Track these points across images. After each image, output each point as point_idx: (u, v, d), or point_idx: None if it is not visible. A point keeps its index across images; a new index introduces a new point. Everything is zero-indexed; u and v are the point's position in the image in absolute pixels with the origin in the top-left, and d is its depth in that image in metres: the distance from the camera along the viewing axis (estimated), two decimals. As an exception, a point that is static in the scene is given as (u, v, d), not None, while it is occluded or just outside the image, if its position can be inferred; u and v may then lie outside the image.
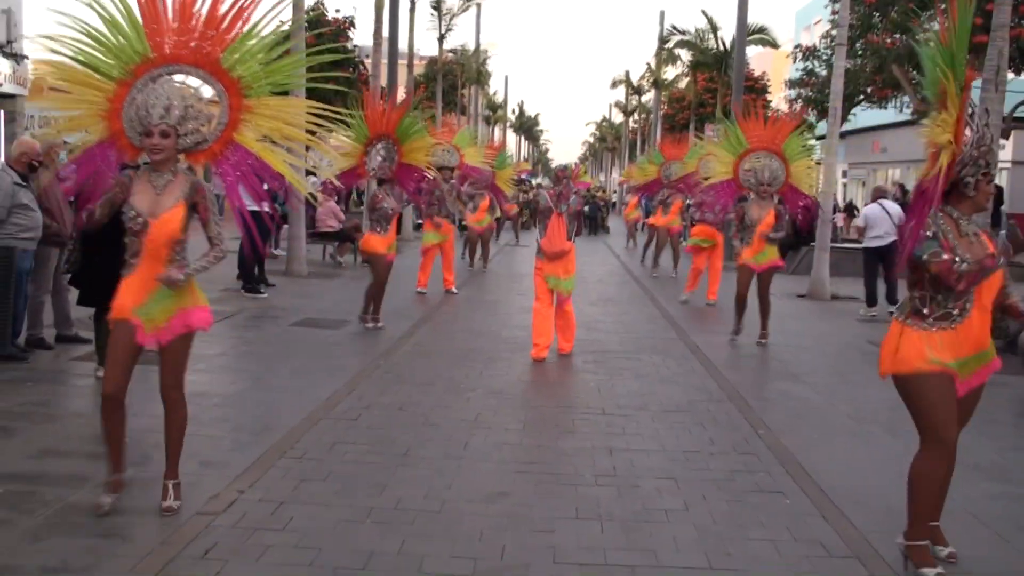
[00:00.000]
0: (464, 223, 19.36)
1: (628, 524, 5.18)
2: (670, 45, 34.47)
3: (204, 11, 4.98)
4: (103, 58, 4.94)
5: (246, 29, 5.05)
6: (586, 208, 29.63)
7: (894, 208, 14.15)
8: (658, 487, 5.81)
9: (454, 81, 44.90)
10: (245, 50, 5.07)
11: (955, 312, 4.47)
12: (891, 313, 4.82)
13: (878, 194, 14.93)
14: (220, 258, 5.02)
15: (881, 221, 13.83)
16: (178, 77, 5.01)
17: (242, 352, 9.63)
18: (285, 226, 17.67)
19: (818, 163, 33.84)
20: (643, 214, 28.42)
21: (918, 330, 4.49)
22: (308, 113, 5.40)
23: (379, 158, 11.01)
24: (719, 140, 11.95)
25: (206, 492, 5.30)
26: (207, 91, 5.09)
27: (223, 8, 4.99)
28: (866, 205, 15.60)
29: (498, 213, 22.04)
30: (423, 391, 8.12)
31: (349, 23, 32.41)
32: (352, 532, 4.89)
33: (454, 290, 14.99)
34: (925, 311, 4.50)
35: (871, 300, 13.91)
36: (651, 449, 6.62)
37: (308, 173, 21.84)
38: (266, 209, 13.59)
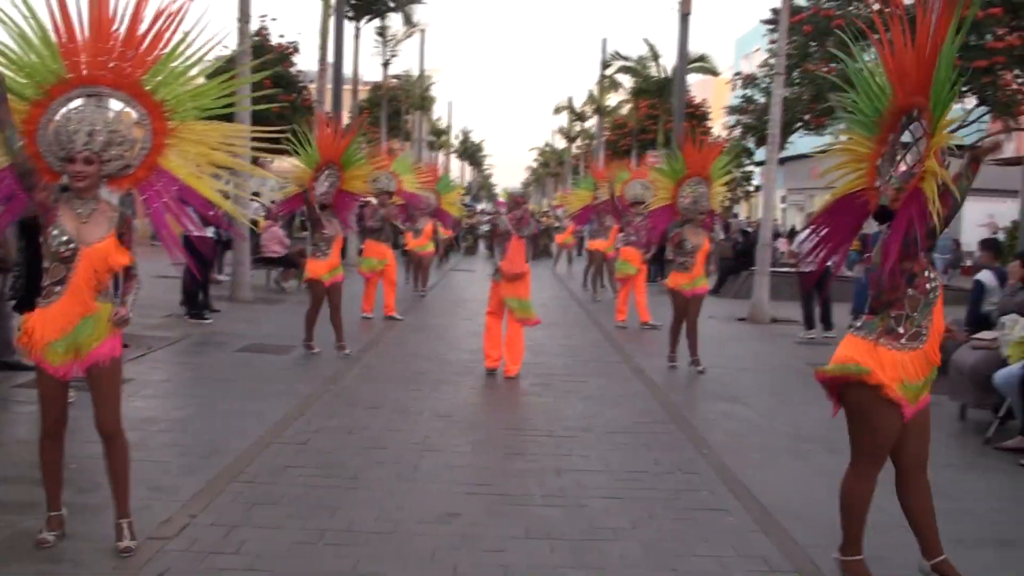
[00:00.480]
0: (406, 248, 19.28)
1: (576, 543, 5.29)
2: (612, 70, 35.01)
3: (123, 30, 4.73)
4: (14, 77, 4.64)
5: (168, 50, 4.80)
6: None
7: (830, 233, 14.67)
8: (605, 507, 5.94)
9: (398, 107, 45.08)
10: (168, 72, 4.83)
11: (924, 331, 4.54)
12: (828, 336, 4.97)
13: None
14: (139, 289, 4.93)
15: (816, 245, 14.30)
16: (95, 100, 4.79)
17: (188, 378, 9.61)
18: (229, 252, 17.61)
19: (757, 188, 34.52)
20: (580, 239, 28.86)
21: (891, 350, 4.54)
22: (250, 137, 5.23)
23: (326, 184, 11.03)
24: (661, 165, 11.91)
25: (157, 517, 5.31)
26: (132, 113, 4.89)
27: (143, 28, 4.75)
28: (802, 231, 15.90)
29: (442, 236, 22.11)
30: (372, 414, 8.18)
31: (293, 48, 32.40)
32: (305, 555, 4.94)
33: (397, 316, 14.86)
34: (900, 330, 4.54)
35: (809, 323, 14.25)
36: (597, 469, 6.75)
37: (253, 195, 21.73)
38: (196, 234, 13.70)
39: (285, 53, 31.72)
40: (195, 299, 13.61)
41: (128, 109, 4.86)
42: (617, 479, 6.54)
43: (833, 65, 23.44)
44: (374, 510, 5.67)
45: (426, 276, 19.51)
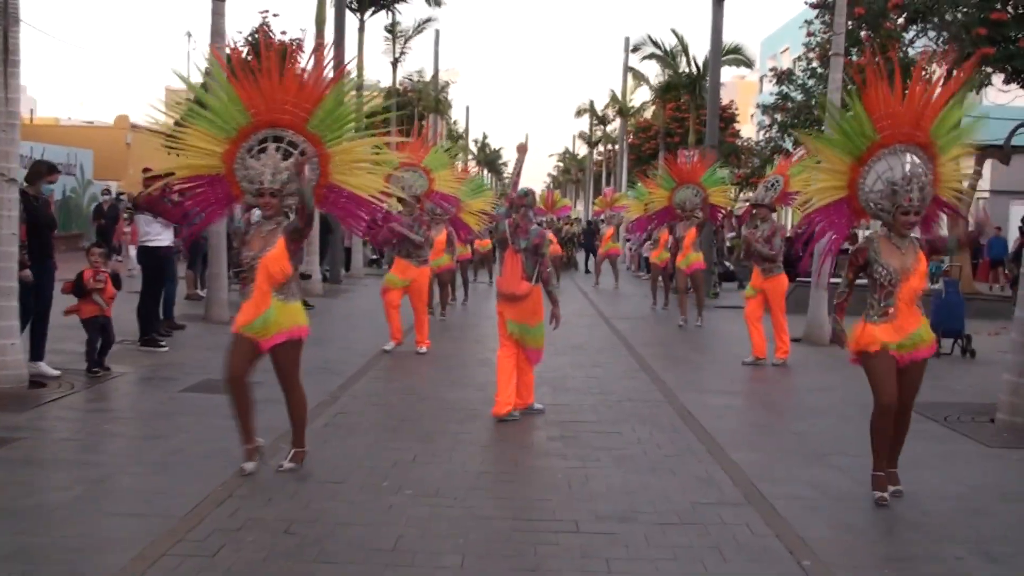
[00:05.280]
0: None
1: None
2: (641, 56, 32.42)
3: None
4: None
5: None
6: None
7: (910, 237, 12.07)
8: None
9: (412, 112, 42.81)
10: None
11: None
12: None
13: None
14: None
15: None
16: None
17: (96, 436, 7.27)
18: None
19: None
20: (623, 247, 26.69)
21: None
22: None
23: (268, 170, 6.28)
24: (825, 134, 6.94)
25: None
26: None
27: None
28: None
29: (461, 251, 18.83)
30: (328, 495, 5.87)
31: (297, 45, 30.42)
32: None
33: (423, 349, 11.94)
34: None
35: (888, 346, 11.76)
36: (651, 601, 4.43)
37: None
38: (151, 244, 11.56)
39: (287, 50, 29.73)
40: (151, 322, 11.39)
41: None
42: (683, 621, 4.22)
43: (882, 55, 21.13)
44: None
45: (445, 296, 16.43)
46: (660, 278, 19.06)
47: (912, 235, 6.13)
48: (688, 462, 6.97)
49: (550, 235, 8.17)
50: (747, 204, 15.08)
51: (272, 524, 5.28)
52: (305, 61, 6.55)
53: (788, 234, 26.98)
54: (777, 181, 12.41)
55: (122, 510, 5.44)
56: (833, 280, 14.77)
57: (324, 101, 6.37)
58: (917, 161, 6.07)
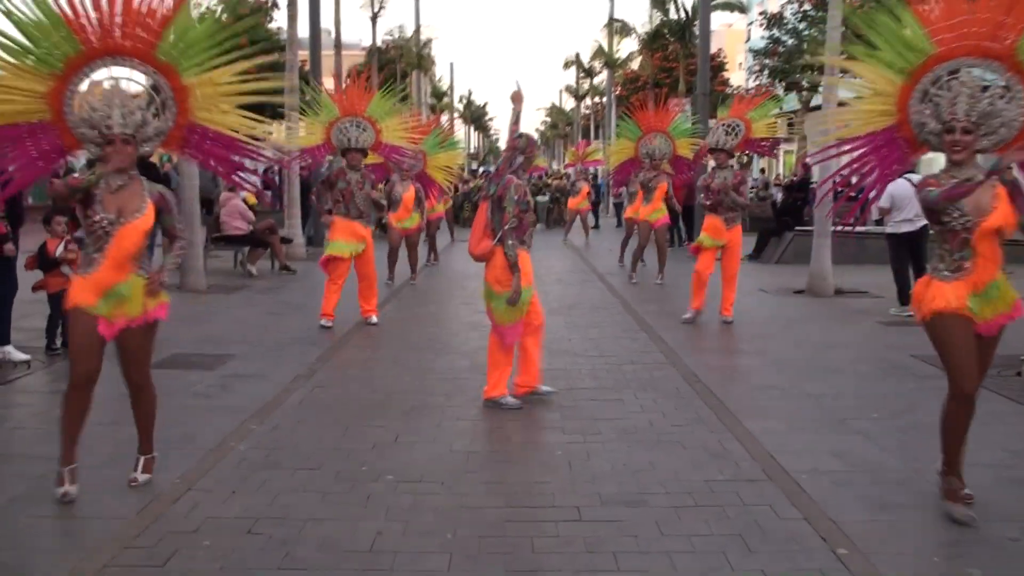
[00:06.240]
0: (383, 222, 15.10)
1: None
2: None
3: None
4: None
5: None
6: (539, 199, 26.50)
7: (924, 184, 11.35)
8: None
9: (395, 70, 41.84)
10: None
11: None
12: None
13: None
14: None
15: (911, 201, 10.78)
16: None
17: (49, 424, 6.62)
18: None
19: (803, 138, 30.82)
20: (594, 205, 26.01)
21: None
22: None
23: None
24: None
25: None
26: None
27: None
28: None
29: (437, 208, 18.00)
30: (300, 486, 5.24)
31: (271, 3, 29.68)
32: None
33: (374, 319, 10.86)
34: None
35: (904, 297, 11.11)
36: (669, 606, 3.83)
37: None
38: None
39: (262, 8, 28.95)
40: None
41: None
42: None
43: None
44: None
45: (414, 259, 15.08)
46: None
47: (986, 167, 4.85)
48: (698, 433, 6.36)
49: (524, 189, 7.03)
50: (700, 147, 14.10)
51: (233, 523, 4.66)
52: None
53: (785, 181, 26.35)
54: (738, 125, 11.42)
55: (63, 512, 4.81)
56: (838, 229, 14.14)
57: (174, 20, 5.02)
58: (979, 72, 4.91)
